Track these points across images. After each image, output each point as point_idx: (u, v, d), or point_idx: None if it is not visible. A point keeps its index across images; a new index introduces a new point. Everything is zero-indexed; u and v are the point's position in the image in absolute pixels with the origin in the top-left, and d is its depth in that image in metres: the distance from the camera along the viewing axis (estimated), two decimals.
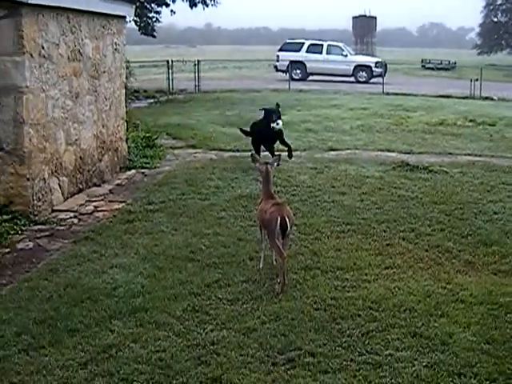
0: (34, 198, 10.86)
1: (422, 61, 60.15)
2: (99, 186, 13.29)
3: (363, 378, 5.92)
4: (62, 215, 11.24)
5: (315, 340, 6.57)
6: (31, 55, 10.63)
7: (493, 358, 6.33)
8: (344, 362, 6.17)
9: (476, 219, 10.86)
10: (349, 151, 17.05)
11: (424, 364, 6.23)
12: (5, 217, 10.44)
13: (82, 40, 12.66)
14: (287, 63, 40.95)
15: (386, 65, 41.91)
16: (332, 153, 16.82)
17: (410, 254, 9.17)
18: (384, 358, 6.28)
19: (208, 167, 14.69)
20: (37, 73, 10.84)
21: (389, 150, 17.21)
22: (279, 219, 7.80)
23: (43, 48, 11.02)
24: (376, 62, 42.77)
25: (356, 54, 45.55)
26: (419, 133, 20.45)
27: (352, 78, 42.48)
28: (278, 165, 9.05)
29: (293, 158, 14.93)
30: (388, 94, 33.19)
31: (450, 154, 16.89)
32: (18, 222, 10.52)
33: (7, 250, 9.62)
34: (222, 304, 7.53)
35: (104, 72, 13.90)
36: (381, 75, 38.01)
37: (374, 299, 7.55)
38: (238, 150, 16.93)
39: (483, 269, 8.76)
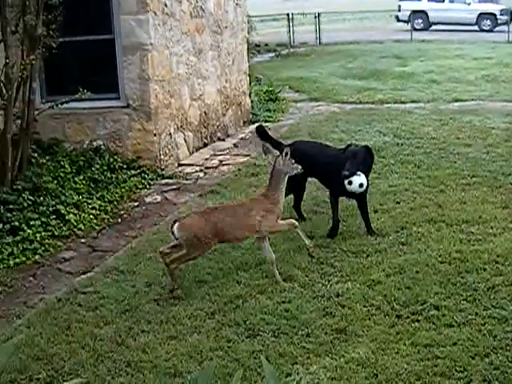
0: (161, 152, 11.14)
1: None
2: (223, 140, 13.51)
3: (488, 332, 5.82)
4: (188, 169, 11.50)
5: (440, 293, 6.54)
6: (155, 13, 10.85)
7: None
8: (469, 316, 6.09)
9: None
10: (473, 102, 16.66)
11: None
12: (133, 172, 10.79)
13: None
14: (409, 13, 40.11)
15: (511, 12, 40.48)
16: (456, 104, 16.49)
17: None
18: (510, 312, 6.15)
19: (331, 120, 14.67)
20: (161, 30, 11.06)
21: None
22: None
23: (166, 5, 11.23)
24: (501, 10, 41.21)
25: (479, 1, 44.00)
26: None
27: (476, 27, 41.15)
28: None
29: (417, 111, 14.68)
30: None
31: None
32: (146, 176, 10.87)
33: (136, 204, 9.96)
34: (346, 256, 7.58)
35: (226, 27, 14.03)
36: (506, 23, 36.72)
37: (500, 253, 7.40)
38: (360, 102, 16.84)
39: None
